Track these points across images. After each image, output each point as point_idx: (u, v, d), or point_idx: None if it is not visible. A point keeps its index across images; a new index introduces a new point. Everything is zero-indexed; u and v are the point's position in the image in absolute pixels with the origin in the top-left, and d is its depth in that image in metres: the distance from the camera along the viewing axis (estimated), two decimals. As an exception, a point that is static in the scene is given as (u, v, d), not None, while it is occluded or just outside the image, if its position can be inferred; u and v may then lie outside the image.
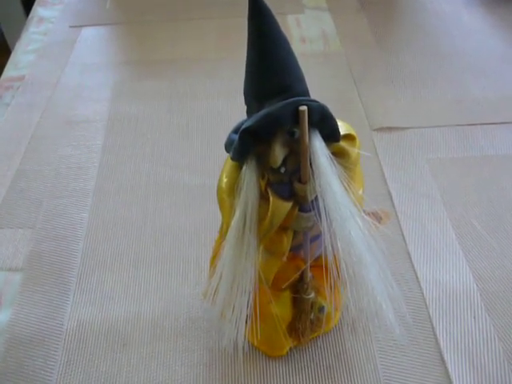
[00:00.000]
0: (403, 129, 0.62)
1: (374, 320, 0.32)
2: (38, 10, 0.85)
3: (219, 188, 0.33)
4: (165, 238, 0.51)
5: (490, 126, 0.62)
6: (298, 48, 0.74)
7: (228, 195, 0.32)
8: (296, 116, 0.29)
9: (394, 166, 0.57)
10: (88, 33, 0.80)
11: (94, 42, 0.78)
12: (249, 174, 0.31)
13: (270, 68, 0.29)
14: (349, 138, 0.32)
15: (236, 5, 0.83)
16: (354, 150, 0.31)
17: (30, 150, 0.61)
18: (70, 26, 0.81)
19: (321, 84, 0.68)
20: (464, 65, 0.71)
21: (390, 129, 0.62)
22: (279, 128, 0.29)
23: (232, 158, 0.31)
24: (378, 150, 0.59)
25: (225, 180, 0.33)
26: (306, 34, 0.78)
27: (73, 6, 0.86)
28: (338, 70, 0.71)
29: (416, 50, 0.74)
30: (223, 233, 0.33)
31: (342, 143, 0.31)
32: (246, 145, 0.30)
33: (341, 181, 0.30)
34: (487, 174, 0.56)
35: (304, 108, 0.28)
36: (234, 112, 0.64)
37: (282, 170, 0.31)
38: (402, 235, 0.50)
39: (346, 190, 0.30)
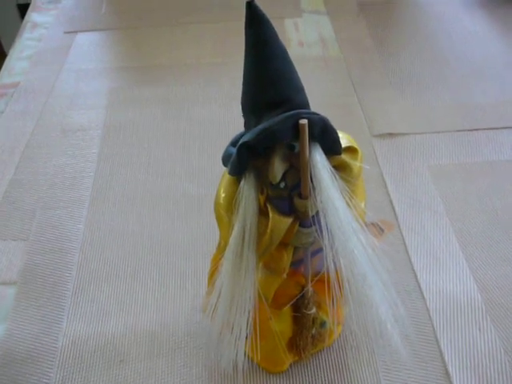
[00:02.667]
0: (404, 134, 0.61)
1: (378, 340, 0.30)
2: (32, 16, 0.84)
3: (217, 203, 0.32)
4: (162, 250, 0.50)
5: (492, 130, 0.61)
6: (295, 52, 0.73)
7: (226, 211, 0.31)
8: (296, 130, 0.27)
9: (395, 173, 0.56)
10: (83, 38, 0.79)
11: (89, 47, 0.77)
12: (247, 189, 0.30)
13: (268, 79, 0.28)
14: (350, 150, 0.31)
15: (233, 9, 0.82)
16: (355, 164, 0.30)
17: (24, 159, 0.60)
18: (65, 32, 0.80)
19: (319, 89, 0.67)
20: (465, 69, 0.70)
21: (390, 135, 0.61)
22: (278, 143, 0.28)
23: (229, 173, 0.30)
24: (379, 156, 0.58)
25: (222, 195, 0.31)
26: (304, 38, 0.77)
27: (67, 11, 0.85)
28: (337, 74, 0.70)
29: (416, 54, 0.73)
30: (221, 249, 0.32)
31: (344, 156, 0.30)
32: (244, 160, 0.29)
33: (343, 196, 0.28)
34: (490, 180, 0.55)
35: (304, 121, 0.27)
36: (232, 118, 0.63)
37: (282, 185, 0.30)
38: (404, 245, 0.49)
39: (348, 205, 0.28)
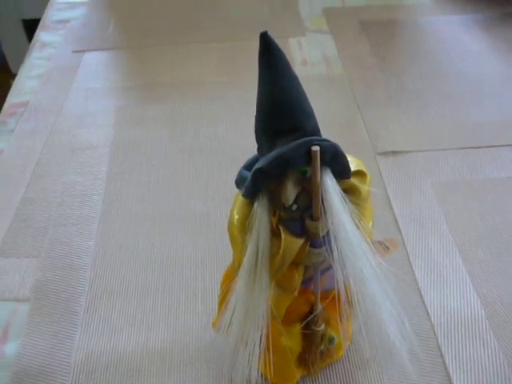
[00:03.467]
0: (407, 152, 0.62)
1: (386, 357, 0.32)
2: (40, 35, 0.85)
3: (230, 224, 0.33)
4: (171, 267, 0.51)
5: (493, 148, 0.62)
6: (299, 71, 0.73)
7: (240, 231, 0.32)
8: (308, 156, 0.29)
9: (400, 191, 0.57)
10: (91, 58, 0.80)
11: (96, 66, 0.79)
12: (260, 211, 0.31)
13: (282, 107, 0.30)
14: (359, 174, 0.32)
15: (238, 28, 0.84)
16: (364, 187, 0.31)
17: (34, 177, 0.61)
18: (73, 51, 0.81)
19: (323, 107, 0.68)
20: (465, 87, 0.72)
21: (394, 152, 0.62)
22: (291, 168, 0.29)
23: (244, 195, 0.31)
24: (383, 174, 0.59)
25: (236, 216, 0.33)
26: (308, 56, 0.78)
27: (75, 30, 0.87)
28: (341, 92, 0.72)
29: (417, 72, 0.75)
30: (235, 268, 0.33)
31: (353, 180, 0.31)
32: (259, 184, 0.30)
33: (352, 218, 0.30)
34: (492, 198, 0.56)
35: (317, 148, 0.28)
36: (238, 136, 0.65)
37: (294, 207, 0.31)
38: (409, 262, 0.50)
39: (357, 226, 0.30)
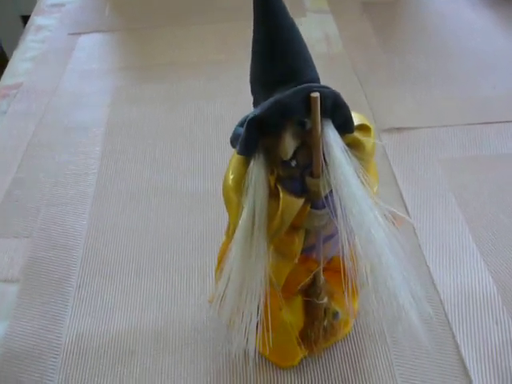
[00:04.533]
0: (412, 129, 0.60)
1: (396, 325, 0.29)
2: (35, 19, 0.83)
3: (225, 186, 0.31)
4: (167, 245, 0.49)
5: (502, 124, 0.60)
6: (300, 51, 0.72)
7: (235, 192, 0.30)
8: (307, 104, 0.26)
9: (405, 168, 0.55)
10: (87, 40, 0.78)
11: (93, 48, 0.77)
12: (257, 170, 0.29)
13: (279, 51, 0.27)
14: (363, 128, 0.30)
15: (236, 9, 0.81)
16: (369, 141, 0.29)
17: (26, 157, 0.59)
18: (69, 34, 0.79)
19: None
20: (472, 63, 0.69)
21: (398, 129, 0.60)
22: (289, 117, 0.27)
23: (239, 152, 0.29)
24: (388, 151, 0.57)
25: (231, 176, 0.30)
26: (309, 36, 0.76)
27: (71, 13, 0.85)
28: (343, 72, 0.70)
29: (421, 51, 0.72)
30: (230, 234, 0.31)
31: (356, 134, 0.29)
32: (254, 136, 0.28)
33: (357, 174, 0.27)
34: (501, 173, 0.54)
35: (316, 95, 0.26)
36: (236, 115, 0.62)
37: (293, 163, 0.28)
38: (417, 238, 0.48)
39: (362, 183, 0.27)
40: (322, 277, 0.34)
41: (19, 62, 0.74)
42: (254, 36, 0.28)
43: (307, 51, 0.28)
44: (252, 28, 0.29)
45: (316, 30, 0.77)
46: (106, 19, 0.83)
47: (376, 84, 0.67)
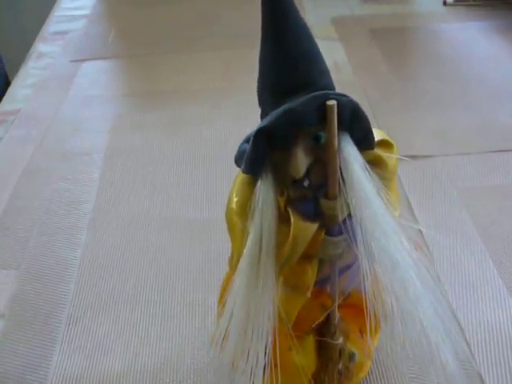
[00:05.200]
0: (428, 157, 0.57)
1: (428, 367, 0.25)
2: (37, 46, 0.82)
3: (229, 209, 0.27)
4: (166, 278, 0.45)
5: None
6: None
7: (240, 217, 0.27)
8: (322, 113, 0.23)
9: (422, 197, 0.52)
10: (89, 66, 0.76)
11: (95, 75, 0.75)
12: (265, 190, 0.25)
13: (291, 57, 0.24)
14: (384, 144, 0.26)
15: (239, 36, 0.80)
16: (391, 158, 0.25)
17: (20, 184, 0.56)
18: (71, 61, 0.78)
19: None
20: (486, 90, 0.67)
21: (413, 157, 0.56)
22: (301, 128, 0.24)
23: (244, 171, 0.26)
24: (403, 180, 0.54)
25: (235, 199, 0.27)
26: (317, 63, 0.74)
27: (74, 41, 0.83)
28: (354, 98, 0.67)
29: (433, 77, 0.70)
30: (234, 264, 0.27)
31: (377, 150, 0.26)
32: (261, 151, 0.24)
33: (379, 194, 0.24)
34: (525, 203, 0.50)
35: (333, 102, 0.23)
36: (239, 142, 0.59)
37: (306, 183, 0.25)
38: (436, 272, 0.44)
39: (385, 204, 0.24)
40: (338, 314, 0.31)
41: (19, 89, 0.72)
42: (261, 42, 0.25)
43: (322, 58, 0.25)
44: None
45: (324, 57, 0.75)
46: (109, 46, 0.81)
47: (388, 111, 0.64)
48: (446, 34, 0.80)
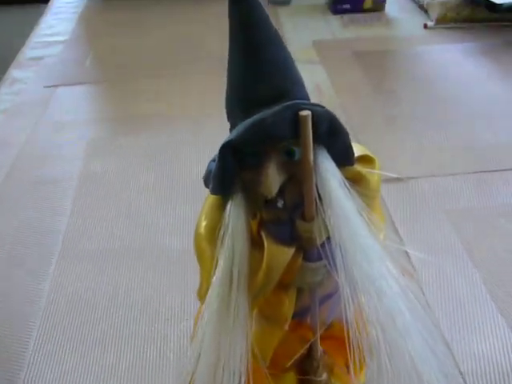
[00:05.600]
0: (413, 178, 0.55)
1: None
2: (11, 72, 0.80)
3: (197, 234, 0.25)
4: (139, 312, 0.42)
5: (508, 172, 0.55)
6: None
7: (208, 242, 0.24)
8: (296, 126, 0.21)
9: (408, 221, 0.50)
10: (64, 92, 0.74)
11: (70, 100, 0.72)
12: (235, 213, 0.23)
13: (260, 69, 0.22)
14: (365, 160, 0.24)
15: (221, 61, 0.78)
16: (373, 174, 0.23)
17: (-14, 214, 0.53)
18: (45, 86, 0.75)
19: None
20: (470, 111, 0.65)
21: (398, 179, 0.54)
22: (273, 142, 0.21)
23: (212, 191, 0.23)
24: (388, 202, 0.52)
25: (204, 223, 0.25)
26: (299, 86, 0.72)
27: (50, 66, 0.81)
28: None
29: (417, 99, 0.69)
30: (202, 295, 0.24)
31: (357, 166, 0.23)
32: (229, 169, 0.22)
33: (361, 214, 0.22)
34: (513, 224, 0.48)
35: (307, 113, 0.21)
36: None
37: (280, 203, 0.23)
38: (425, 299, 0.42)
39: (368, 225, 0.21)
40: (320, 347, 0.28)
41: (-11, 115, 0.69)
42: (229, 51, 0.23)
43: (295, 67, 0.23)
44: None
45: (306, 79, 0.73)
46: (85, 71, 0.79)
47: (372, 132, 0.62)
48: (428, 55, 0.80)
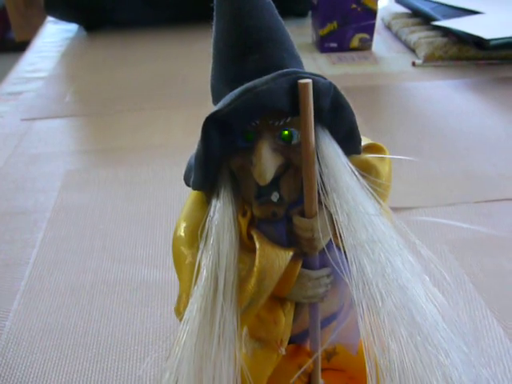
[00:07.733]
0: (411, 209, 0.51)
1: None
2: (-12, 107, 0.77)
3: (175, 238, 0.21)
4: (113, 350, 0.37)
5: (509, 201, 0.52)
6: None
7: (189, 247, 0.20)
8: (293, 100, 0.18)
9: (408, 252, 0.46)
10: (42, 125, 0.71)
11: (47, 133, 0.69)
12: (221, 210, 0.19)
13: (251, 38, 0.19)
14: (374, 149, 0.21)
15: (201, 93, 0.76)
16: (384, 165, 0.20)
17: None
18: (22, 119, 0.72)
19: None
20: (465, 143, 0.63)
21: (395, 209, 0.51)
22: (266, 112, 0.18)
23: (194, 185, 0.20)
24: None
25: (184, 224, 0.21)
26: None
27: (28, 100, 0.78)
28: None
29: (410, 131, 0.66)
30: (181, 309, 0.20)
31: (365, 155, 0.20)
32: (214, 149, 0.18)
33: (376, 208, 0.18)
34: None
35: (307, 81, 0.17)
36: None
37: (275, 196, 0.19)
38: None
39: (388, 223, 0.18)
40: (321, 380, 0.23)
41: (-39, 148, 0.65)
42: (215, 22, 0.20)
43: (290, 40, 0.20)
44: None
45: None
46: (65, 106, 0.76)
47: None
48: (417, 91, 0.78)
